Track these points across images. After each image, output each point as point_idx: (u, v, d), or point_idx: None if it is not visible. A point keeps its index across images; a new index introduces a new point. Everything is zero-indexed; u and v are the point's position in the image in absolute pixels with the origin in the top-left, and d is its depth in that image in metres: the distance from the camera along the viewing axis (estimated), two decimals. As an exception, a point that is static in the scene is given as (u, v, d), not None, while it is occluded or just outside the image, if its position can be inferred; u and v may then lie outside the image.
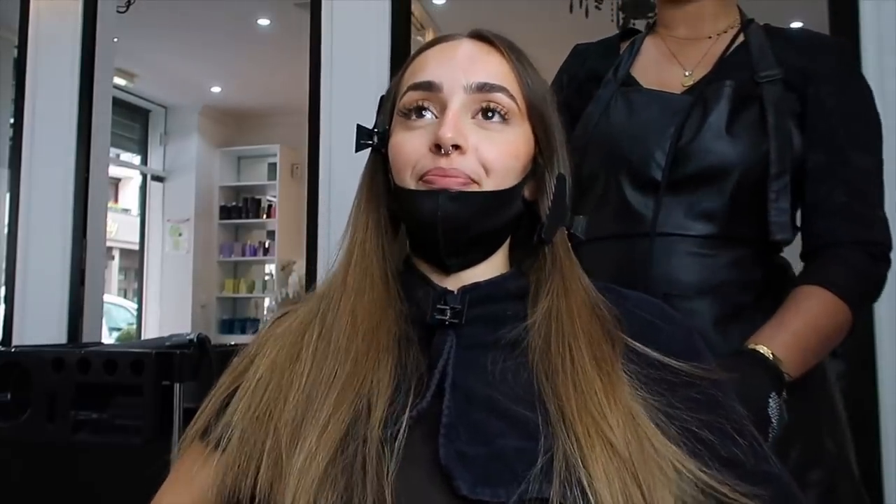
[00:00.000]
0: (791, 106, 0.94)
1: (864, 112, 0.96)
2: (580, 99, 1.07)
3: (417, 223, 0.66)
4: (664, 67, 1.03)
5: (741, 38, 1.01)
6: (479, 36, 0.68)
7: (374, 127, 0.70)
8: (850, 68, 0.99)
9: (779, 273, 0.97)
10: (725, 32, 1.02)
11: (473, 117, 0.64)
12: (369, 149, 0.70)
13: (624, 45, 1.10)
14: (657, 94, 1.00)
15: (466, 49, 0.67)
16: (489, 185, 0.63)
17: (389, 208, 0.69)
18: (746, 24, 1.02)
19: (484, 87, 0.64)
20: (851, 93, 0.96)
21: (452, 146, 0.62)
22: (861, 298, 0.91)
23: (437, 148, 0.62)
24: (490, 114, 0.64)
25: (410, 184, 0.64)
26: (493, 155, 0.63)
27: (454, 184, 0.62)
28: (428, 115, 0.65)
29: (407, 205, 0.65)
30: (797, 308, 0.88)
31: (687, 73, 1.01)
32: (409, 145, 0.64)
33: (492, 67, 0.66)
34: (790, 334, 0.86)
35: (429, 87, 0.65)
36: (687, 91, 0.99)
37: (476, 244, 0.67)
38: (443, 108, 0.64)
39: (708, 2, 1.03)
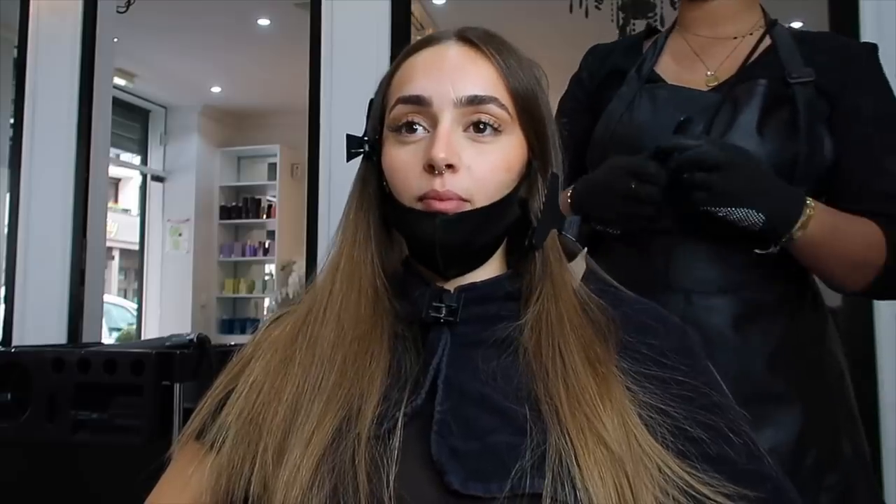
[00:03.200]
0: (822, 109, 0.94)
1: (895, 113, 0.96)
2: (601, 95, 1.06)
3: (416, 242, 0.66)
4: (688, 65, 1.02)
5: (767, 41, 1.00)
6: (465, 39, 0.67)
7: (364, 134, 0.70)
8: (880, 71, 0.98)
9: (800, 275, 0.97)
10: (751, 34, 1.01)
11: (465, 130, 0.64)
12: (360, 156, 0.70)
13: (647, 44, 1.09)
14: (684, 91, 0.99)
15: (454, 56, 0.66)
16: (482, 201, 0.63)
17: (383, 213, 0.69)
18: (772, 24, 1.01)
19: (474, 100, 0.63)
20: (881, 95, 0.96)
21: (446, 165, 0.62)
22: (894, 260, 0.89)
23: (431, 168, 0.62)
24: (482, 125, 0.64)
25: (408, 202, 0.64)
26: (485, 172, 0.63)
27: (450, 206, 0.62)
28: (419, 129, 0.64)
29: (404, 222, 0.66)
30: (849, 215, 0.90)
31: (710, 73, 1.00)
32: (404, 164, 0.64)
33: (480, 76, 0.65)
34: (831, 212, 0.89)
35: (418, 101, 0.64)
36: (714, 90, 0.98)
37: (475, 256, 0.67)
38: (433, 122, 0.64)
39: (729, 3, 1.01)
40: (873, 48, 1.00)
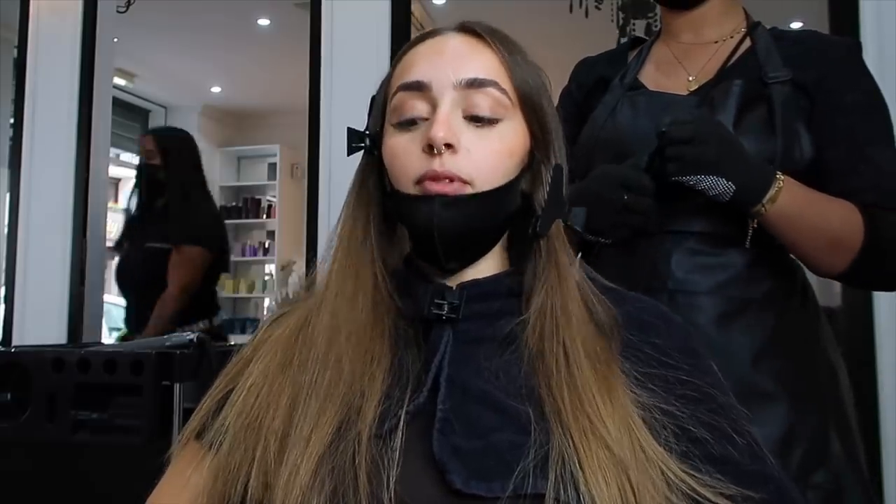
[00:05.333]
0: (800, 105, 0.94)
1: (878, 105, 0.96)
2: (589, 105, 1.08)
3: (415, 228, 0.66)
4: (669, 72, 1.04)
5: (747, 43, 1.00)
6: (466, 29, 0.67)
7: (366, 129, 0.70)
8: (860, 64, 0.99)
9: (788, 274, 0.97)
10: (732, 37, 1.02)
11: (465, 116, 0.64)
12: (362, 151, 0.70)
13: (632, 54, 1.11)
14: (663, 96, 1.00)
15: (454, 44, 0.66)
16: (483, 185, 0.63)
17: (384, 209, 0.69)
18: (753, 27, 1.02)
19: (474, 83, 0.63)
20: (864, 88, 0.97)
21: (445, 145, 0.61)
22: (877, 242, 0.89)
23: (430, 148, 0.62)
24: (480, 118, 0.64)
25: (407, 188, 0.64)
26: (485, 155, 0.63)
27: (449, 189, 0.62)
28: (419, 114, 0.64)
29: (404, 210, 0.65)
30: (825, 194, 0.91)
31: (691, 78, 1.01)
32: (403, 149, 0.64)
33: (481, 61, 0.65)
34: (806, 189, 0.89)
35: (418, 86, 0.64)
36: (692, 93, 0.99)
37: (475, 245, 0.67)
38: (434, 107, 0.63)
39: (710, 7, 1.03)
40: (854, 44, 1.01)
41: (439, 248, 0.63)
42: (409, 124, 0.64)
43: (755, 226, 0.90)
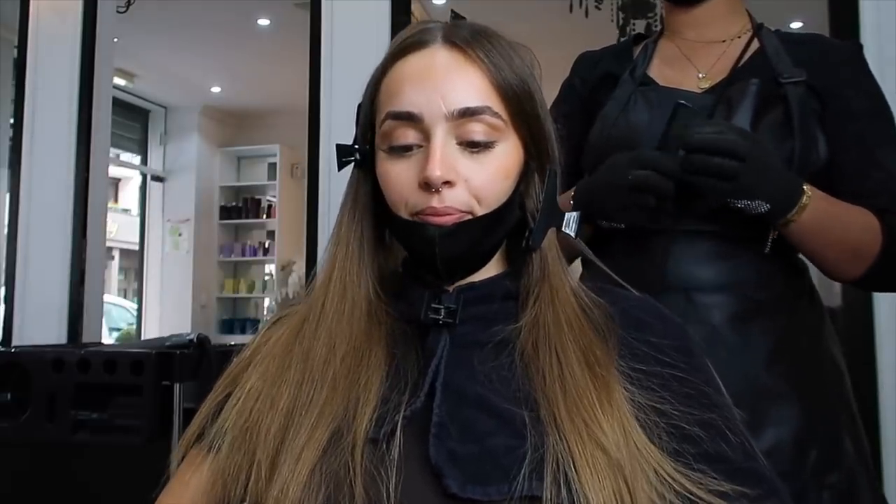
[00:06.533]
0: (813, 107, 0.95)
1: (883, 108, 0.97)
2: (594, 100, 1.07)
3: (414, 252, 0.66)
4: (679, 69, 1.03)
5: (756, 44, 1.01)
6: (451, 43, 0.64)
7: (354, 141, 0.69)
8: (863, 67, 1.00)
9: (798, 274, 0.98)
10: (739, 37, 1.02)
11: (459, 143, 0.62)
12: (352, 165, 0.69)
13: (637, 49, 1.10)
14: (677, 93, 0.99)
15: (441, 64, 0.63)
16: (483, 209, 0.63)
17: (378, 218, 0.69)
18: (758, 28, 1.02)
19: (466, 113, 0.62)
20: (870, 92, 0.98)
21: (443, 182, 0.60)
22: (894, 248, 0.90)
23: (428, 186, 0.61)
24: (475, 144, 0.63)
25: (404, 215, 0.63)
26: (484, 182, 0.62)
27: (449, 220, 0.61)
28: (411, 142, 0.63)
29: (401, 233, 0.65)
30: (846, 203, 0.92)
31: (701, 75, 1.01)
32: (398, 179, 0.63)
33: (470, 83, 0.62)
34: (830, 200, 0.90)
35: (409, 117, 0.62)
36: (706, 92, 0.99)
37: (476, 260, 0.67)
38: (426, 136, 0.62)
39: (713, 6, 1.03)
40: (858, 47, 1.02)
41: (441, 270, 0.63)
42: (401, 150, 0.63)
43: (775, 235, 0.90)
